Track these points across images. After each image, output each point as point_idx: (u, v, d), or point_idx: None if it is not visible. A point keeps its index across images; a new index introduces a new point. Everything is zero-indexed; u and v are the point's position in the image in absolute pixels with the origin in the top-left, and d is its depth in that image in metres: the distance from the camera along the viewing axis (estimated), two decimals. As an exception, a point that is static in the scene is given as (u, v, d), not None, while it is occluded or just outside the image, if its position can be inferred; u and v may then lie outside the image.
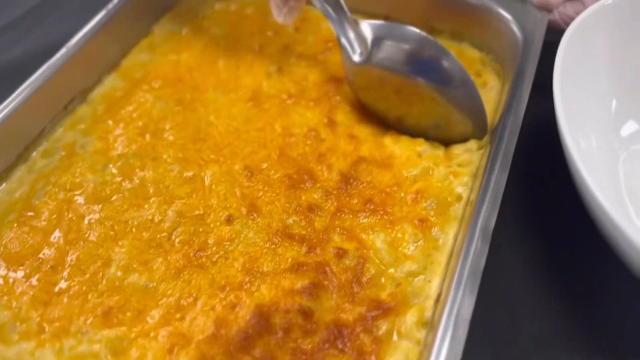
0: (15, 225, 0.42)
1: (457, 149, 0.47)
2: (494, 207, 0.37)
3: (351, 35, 0.49)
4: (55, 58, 0.48)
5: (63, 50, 0.49)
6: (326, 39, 0.56)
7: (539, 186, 0.48)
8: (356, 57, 0.48)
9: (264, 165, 0.46)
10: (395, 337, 0.37)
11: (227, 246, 0.41)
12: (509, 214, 0.44)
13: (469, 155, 0.46)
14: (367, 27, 0.48)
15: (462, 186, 0.43)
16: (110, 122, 0.49)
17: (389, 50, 0.47)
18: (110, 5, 0.53)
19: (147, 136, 0.48)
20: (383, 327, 0.37)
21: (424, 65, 0.46)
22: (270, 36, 0.57)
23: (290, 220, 0.42)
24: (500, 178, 0.39)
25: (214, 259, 0.40)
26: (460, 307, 0.33)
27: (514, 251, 0.44)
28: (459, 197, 0.43)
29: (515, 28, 0.50)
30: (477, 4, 0.53)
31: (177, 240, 0.41)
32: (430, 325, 0.36)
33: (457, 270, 0.35)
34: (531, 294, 0.42)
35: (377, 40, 0.48)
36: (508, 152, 0.40)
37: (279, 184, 0.44)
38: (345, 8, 0.48)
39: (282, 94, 0.52)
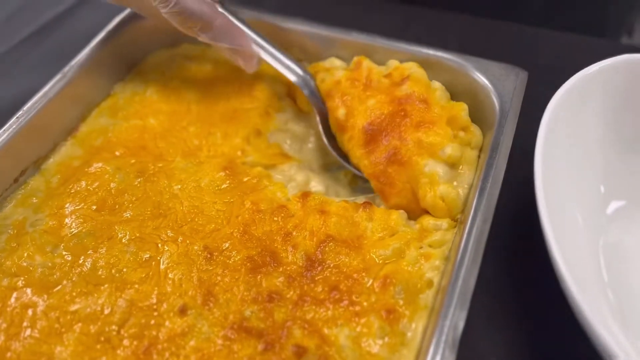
0: (-46, 317, 0.39)
1: (431, 225, 0.44)
2: (463, 307, 0.35)
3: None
4: (5, 128, 0.46)
5: (13, 119, 0.47)
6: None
7: (516, 265, 0.45)
8: None
9: (226, 245, 0.43)
10: None
11: (179, 342, 0.38)
12: (485, 302, 0.42)
13: (441, 234, 0.43)
14: None
15: (432, 270, 0.41)
16: (64, 196, 0.46)
17: None
18: (66, 68, 0.51)
19: (104, 212, 0.45)
20: None
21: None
22: (249, 100, 0.54)
23: (248, 312, 0.39)
24: (470, 271, 0.37)
25: (164, 357, 0.37)
26: None
27: (493, 344, 0.41)
28: (429, 283, 0.40)
29: (492, 94, 0.48)
30: (453, 66, 0.50)
31: (126, 334, 0.38)
32: None
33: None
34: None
35: None
36: (480, 241, 0.38)
37: (239, 267, 0.42)
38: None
39: (262, 161, 0.50)
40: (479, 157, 0.47)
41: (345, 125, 0.50)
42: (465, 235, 0.39)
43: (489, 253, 0.38)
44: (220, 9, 0.50)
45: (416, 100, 0.48)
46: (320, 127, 0.52)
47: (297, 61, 0.53)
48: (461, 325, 0.34)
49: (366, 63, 0.52)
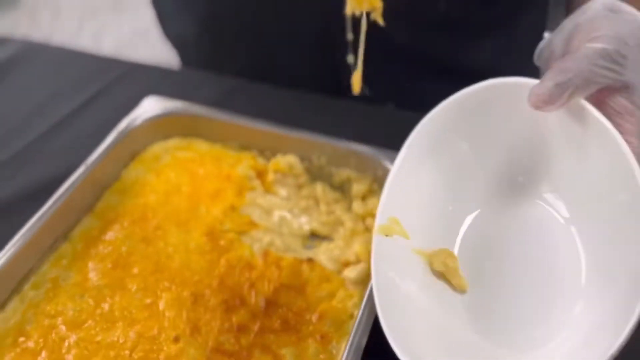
0: (11, 348, 0.55)
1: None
2: (366, 331, 0.52)
3: None
4: (43, 211, 0.62)
5: (50, 202, 0.63)
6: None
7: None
8: None
9: (206, 292, 0.59)
10: None
11: (174, 361, 0.54)
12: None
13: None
14: None
15: (354, 307, 0.58)
16: (87, 258, 0.62)
17: None
18: (89, 160, 0.68)
19: (118, 270, 0.61)
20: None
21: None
22: (227, 181, 0.71)
23: (223, 339, 0.55)
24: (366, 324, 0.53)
25: (164, 372, 0.53)
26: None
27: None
28: (351, 315, 0.57)
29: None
30: (363, 154, 0.68)
31: (136, 356, 0.54)
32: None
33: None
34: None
35: None
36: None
37: (216, 308, 0.58)
38: None
39: (235, 228, 0.66)
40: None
41: None
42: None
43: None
44: None
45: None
46: None
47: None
48: (364, 341, 0.51)
49: None
